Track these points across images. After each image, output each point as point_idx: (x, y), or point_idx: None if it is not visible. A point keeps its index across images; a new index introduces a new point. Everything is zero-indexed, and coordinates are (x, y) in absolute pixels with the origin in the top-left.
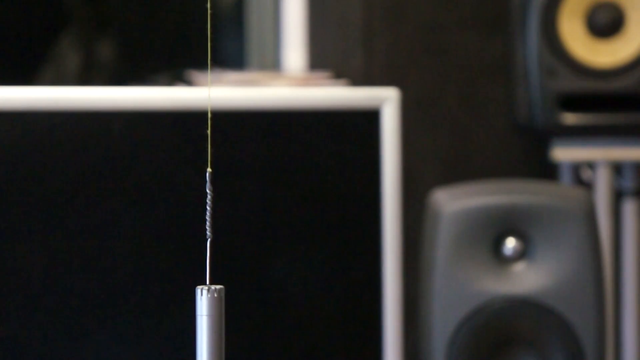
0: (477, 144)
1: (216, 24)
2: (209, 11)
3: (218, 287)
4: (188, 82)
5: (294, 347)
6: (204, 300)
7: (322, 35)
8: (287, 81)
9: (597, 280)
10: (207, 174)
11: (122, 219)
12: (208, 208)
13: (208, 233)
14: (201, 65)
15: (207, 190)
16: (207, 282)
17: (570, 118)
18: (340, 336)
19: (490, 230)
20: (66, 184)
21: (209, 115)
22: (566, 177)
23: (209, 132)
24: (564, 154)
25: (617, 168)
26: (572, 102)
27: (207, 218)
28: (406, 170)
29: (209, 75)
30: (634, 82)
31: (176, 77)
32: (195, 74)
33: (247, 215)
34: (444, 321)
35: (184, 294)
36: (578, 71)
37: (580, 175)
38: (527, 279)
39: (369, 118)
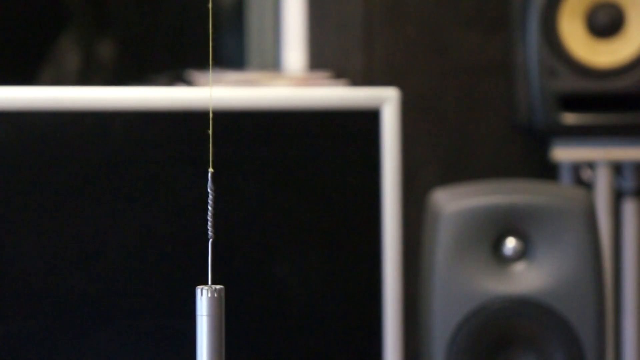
0: (477, 144)
1: (216, 23)
2: (210, 11)
3: (218, 287)
4: (188, 82)
5: (294, 347)
6: (204, 300)
7: (322, 35)
8: (287, 81)
9: (597, 280)
10: (209, 174)
11: (122, 219)
12: (210, 208)
13: (210, 233)
14: (201, 65)
15: (209, 190)
16: (209, 282)
17: (570, 118)
18: (341, 336)
19: (490, 230)
20: (66, 184)
21: (211, 115)
22: (566, 177)
23: (210, 132)
24: (564, 154)
25: (617, 168)
26: (572, 102)
27: (209, 218)
28: (406, 170)
29: (210, 75)
30: (634, 82)
31: (176, 77)
32: (195, 74)
33: (247, 215)
34: (444, 321)
35: (184, 294)
36: (578, 71)
37: (580, 175)
38: (527, 279)
39: (369, 118)
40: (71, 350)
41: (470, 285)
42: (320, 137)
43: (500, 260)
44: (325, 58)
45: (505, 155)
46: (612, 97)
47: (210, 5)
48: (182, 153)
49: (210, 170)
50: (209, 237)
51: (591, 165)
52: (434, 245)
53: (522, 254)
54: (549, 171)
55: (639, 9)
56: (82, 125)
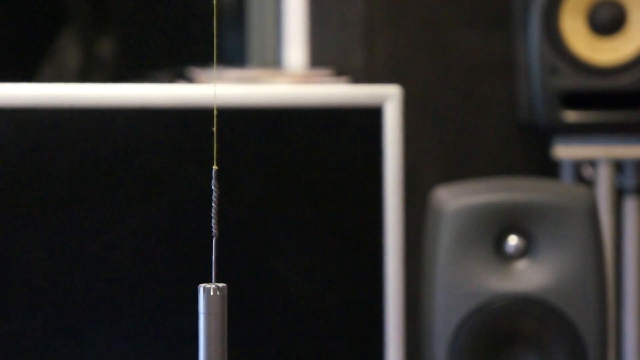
0: (478, 142)
1: (217, 21)
2: (215, 8)
3: (220, 285)
4: (189, 79)
5: (296, 345)
6: (206, 298)
7: (323, 32)
8: (288, 78)
9: (598, 278)
10: (213, 171)
11: (125, 216)
12: (214, 205)
13: (214, 231)
14: (202, 63)
15: (213, 188)
16: (213, 280)
17: (571, 116)
18: (343, 334)
19: (492, 228)
20: (68, 181)
21: (215, 112)
22: (567, 174)
23: (214, 129)
24: (565, 151)
25: (619, 166)
26: (573, 100)
27: (213, 215)
28: (408, 167)
29: (215, 72)
30: (635, 80)
31: (177, 74)
32: (196, 71)
33: (248, 212)
34: (445, 319)
35: (186, 292)
36: (580, 69)
37: (582, 173)
38: (529, 276)
39: (371, 115)
40: (73, 349)
41: (472, 283)
42: (322, 134)
43: (502, 258)
44: (326, 55)
45: (507, 152)
46: (613, 94)
47: (215, 1)
48: (184, 150)
49: (215, 167)
50: (213, 234)
51: (592, 163)
52: (435, 242)
53: (524, 252)
54: (550, 169)
55: None
56: (83, 122)
